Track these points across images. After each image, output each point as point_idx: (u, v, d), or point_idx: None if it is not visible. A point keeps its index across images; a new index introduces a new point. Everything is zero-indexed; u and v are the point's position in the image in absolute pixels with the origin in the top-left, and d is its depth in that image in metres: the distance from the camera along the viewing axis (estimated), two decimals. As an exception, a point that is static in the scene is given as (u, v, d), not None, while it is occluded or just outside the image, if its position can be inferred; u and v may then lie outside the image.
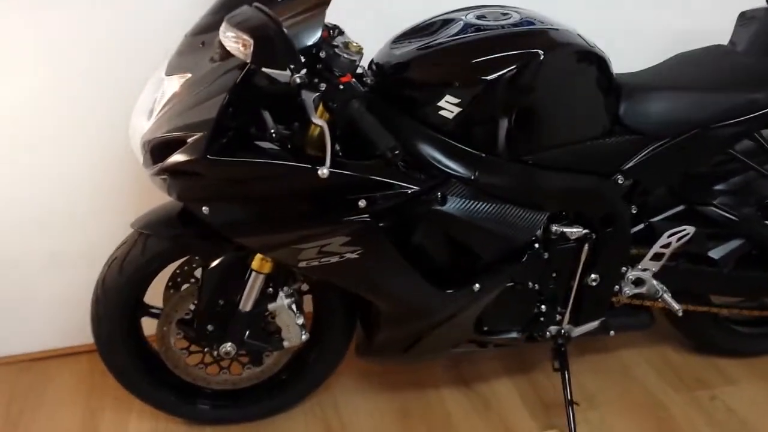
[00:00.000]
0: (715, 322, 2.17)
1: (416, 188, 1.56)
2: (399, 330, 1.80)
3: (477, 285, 1.72)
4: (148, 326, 1.94)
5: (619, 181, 1.78)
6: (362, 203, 1.53)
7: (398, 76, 1.63)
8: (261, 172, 1.49)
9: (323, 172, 1.42)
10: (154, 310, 1.90)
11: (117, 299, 1.81)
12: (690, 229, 1.88)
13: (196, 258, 1.85)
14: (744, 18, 2.02)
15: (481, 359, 2.29)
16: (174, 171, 1.51)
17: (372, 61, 1.72)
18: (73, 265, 2.21)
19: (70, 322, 2.32)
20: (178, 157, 1.48)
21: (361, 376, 2.23)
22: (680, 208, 1.94)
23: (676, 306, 1.93)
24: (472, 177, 1.60)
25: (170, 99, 1.54)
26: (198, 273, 1.85)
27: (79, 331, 2.30)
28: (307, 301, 1.95)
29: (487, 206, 1.62)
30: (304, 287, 1.94)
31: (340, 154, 1.53)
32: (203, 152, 1.44)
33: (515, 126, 1.60)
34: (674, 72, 1.89)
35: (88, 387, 2.23)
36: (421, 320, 1.76)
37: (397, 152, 1.37)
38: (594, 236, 1.82)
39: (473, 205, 1.61)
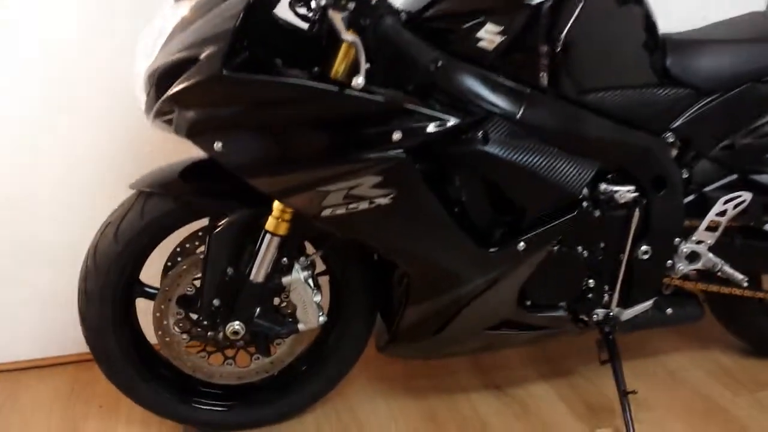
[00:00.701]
0: (765, 314, 1.97)
1: (456, 121, 1.38)
2: (431, 303, 1.58)
3: (522, 244, 1.52)
4: (143, 311, 1.71)
5: (670, 140, 1.63)
6: (397, 135, 1.35)
7: (432, 8, 1.47)
8: (283, 94, 1.31)
9: (358, 81, 1.25)
10: (150, 290, 1.67)
11: (110, 271, 1.58)
12: (746, 195, 1.71)
13: (199, 234, 1.64)
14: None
15: (512, 365, 2.06)
16: (184, 98, 1.33)
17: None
18: (55, 262, 1.99)
19: (51, 330, 2.08)
20: (189, 78, 1.30)
21: (379, 381, 1.99)
22: (732, 177, 1.78)
23: (739, 276, 1.74)
24: (517, 114, 1.44)
25: (178, 24, 1.38)
26: (201, 251, 1.63)
27: (61, 342, 2.10)
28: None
29: (534, 148, 1.45)
30: (320, 268, 1.73)
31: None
32: (219, 67, 1.27)
33: (561, 59, 1.45)
34: (718, 30, 1.77)
35: (70, 396, 1.97)
36: (457, 287, 1.54)
37: (440, 63, 1.21)
38: (645, 201, 1.64)
39: (518, 146, 1.43)
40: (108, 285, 1.59)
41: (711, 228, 1.73)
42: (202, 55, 1.29)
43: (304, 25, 1.51)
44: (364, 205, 1.40)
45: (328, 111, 1.33)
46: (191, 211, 1.58)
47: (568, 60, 1.45)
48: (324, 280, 1.74)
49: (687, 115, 1.64)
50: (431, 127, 1.37)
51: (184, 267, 1.61)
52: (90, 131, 1.92)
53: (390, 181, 1.38)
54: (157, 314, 1.63)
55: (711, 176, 1.79)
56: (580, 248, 1.61)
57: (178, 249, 1.65)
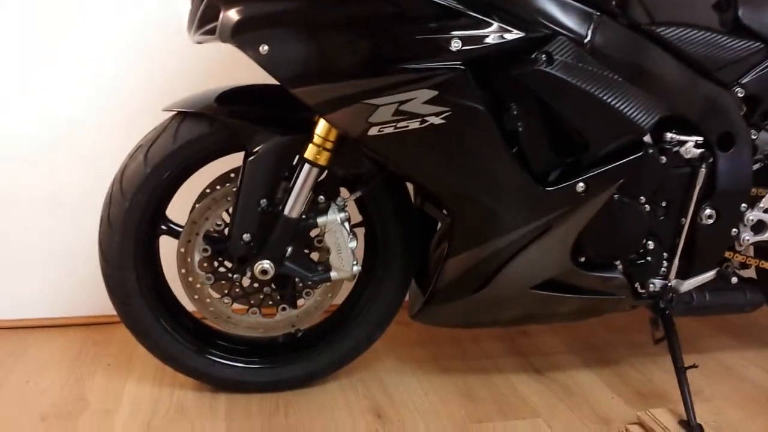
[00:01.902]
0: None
1: (520, 35, 1.29)
2: (476, 251, 1.46)
3: (581, 184, 1.40)
4: (166, 253, 1.60)
5: (739, 95, 1.53)
6: (456, 44, 1.25)
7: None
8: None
9: None
10: (176, 227, 1.56)
11: (136, 198, 1.48)
12: (818, 162, 1.59)
13: (231, 176, 1.53)
14: None
15: (553, 350, 1.91)
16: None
17: None
18: (76, 211, 1.90)
19: (62, 290, 1.98)
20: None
21: (409, 361, 1.84)
22: (801, 146, 1.66)
23: (812, 242, 1.60)
24: (585, 38, 1.34)
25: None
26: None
27: (73, 302, 1.99)
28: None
29: (600, 75, 1.34)
30: (356, 219, 1.62)
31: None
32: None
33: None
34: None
35: (79, 355, 1.84)
36: (506, 233, 1.42)
37: None
38: (711, 159, 1.52)
39: (584, 70, 1.33)
40: (132, 212, 1.49)
41: (781, 196, 1.60)
42: None
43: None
44: (414, 124, 1.30)
45: (381, 11, 1.24)
46: (227, 137, 1.47)
47: (641, -14, 1.37)
48: (360, 234, 1.63)
49: (758, 70, 1.54)
50: (493, 38, 1.27)
51: (215, 198, 1.50)
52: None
53: (445, 97, 1.28)
54: (182, 250, 1.52)
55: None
56: (642, 200, 1.49)
57: (208, 190, 1.55)
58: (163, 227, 1.57)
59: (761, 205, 1.60)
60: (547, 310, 1.60)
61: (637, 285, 1.59)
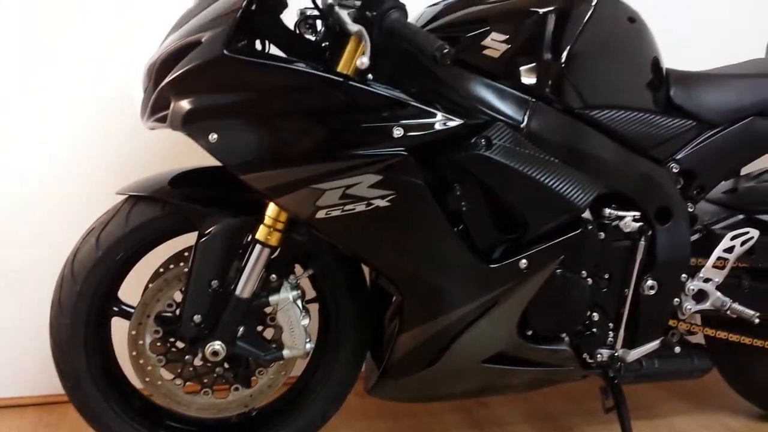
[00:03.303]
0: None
1: (459, 122, 1.35)
2: (426, 328, 1.48)
3: (524, 261, 1.44)
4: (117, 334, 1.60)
5: (674, 170, 1.61)
6: (398, 131, 1.31)
7: (435, 23, 1.48)
8: (285, 81, 1.28)
9: (363, 60, 1.22)
10: (128, 309, 1.57)
11: (87, 282, 1.48)
12: (754, 232, 1.67)
13: (185, 255, 1.55)
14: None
15: (508, 420, 1.93)
16: (182, 84, 1.29)
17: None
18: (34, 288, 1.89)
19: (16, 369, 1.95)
20: (189, 61, 1.27)
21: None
22: (738, 216, 1.74)
23: (750, 312, 1.66)
24: (521, 123, 1.41)
25: (181, 18, 1.37)
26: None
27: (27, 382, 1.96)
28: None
29: (537, 157, 1.41)
30: (310, 295, 1.64)
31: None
32: (221, 47, 1.24)
33: (566, 71, 1.44)
34: (720, 70, 1.78)
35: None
36: (454, 308, 1.45)
37: (446, 50, 1.19)
38: (650, 232, 1.59)
39: (521, 154, 1.40)
40: (83, 296, 1.49)
41: (718, 266, 1.66)
42: (204, 38, 1.26)
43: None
44: (361, 207, 1.34)
45: (328, 102, 1.30)
46: (178, 220, 1.50)
47: (573, 72, 1.45)
48: (314, 309, 1.64)
49: (691, 146, 1.63)
50: (434, 126, 1.33)
51: (167, 280, 1.51)
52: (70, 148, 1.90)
53: (389, 182, 1.33)
54: (133, 332, 1.52)
55: (716, 216, 1.75)
56: (584, 273, 1.54)
57: (161, 269, 1.56)
58: (115, 309, 1.57)
59: (701, 275, 1.66)
60: (499, 382, 1.62)
61: (585, 356, 1.62)
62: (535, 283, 1.47)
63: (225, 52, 1.25)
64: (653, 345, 1.66)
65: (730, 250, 1.65)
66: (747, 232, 1.66)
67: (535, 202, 1.43)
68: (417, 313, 1.48)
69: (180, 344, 1.53)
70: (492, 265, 1.43)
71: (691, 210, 1.65)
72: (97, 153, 1.92)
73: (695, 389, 2.12)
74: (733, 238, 1.65)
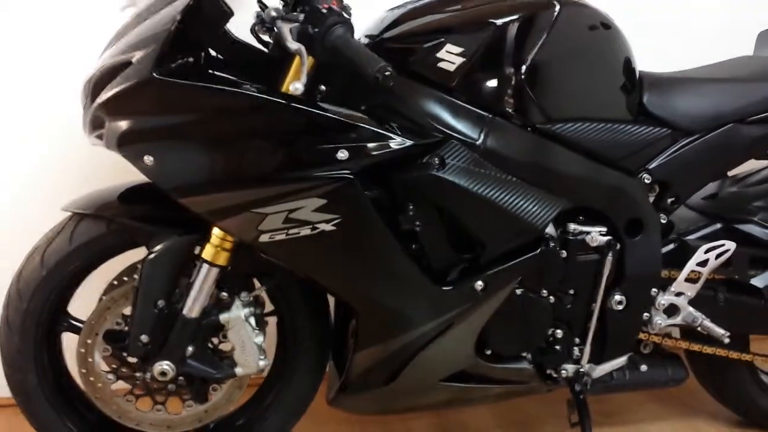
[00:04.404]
0: (753, 378, 1.81)
1: (409, 143, 1.28)
2: (382, 347, 1.44)
3: (480, 283, 1.39)
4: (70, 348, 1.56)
5: (646, 181, 1.53)
6: (342, 154, 1.24)
7: (391, 31, 1.40)
8: (218, 103, 1.21)
9: (296, 86, 1.15)
10: (78, 324, 1.53)
11: (33, 300, 1.45)
12: (730, 245, 1.59)
13: (138, 267, 1.50)
14: (765, 35, 1.85)
15: (480, 425, 1.89)
16: (114, 105, 1.23)
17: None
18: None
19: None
20: (119, 83, 1.21)
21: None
22: (716, 226, 1.66)
23: (720, 331, 1.60)
24: (477, 141, 1.33)
25: (120, 30, 1.30)
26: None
27: None
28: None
29: (493, 177, 1.34)
30: (268, 308, 1.59)
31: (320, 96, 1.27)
32: (150, 69, 1.17)
33: (527, 85, 1.36)
34: (700, 71, 1.69)
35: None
36: (409, 330, 1.40)
37: (388, 72, 1.12)
38: (618, 246, 1.52)
39: (476, 174, 1.33)
40: (31, 314, 1.46)
41: (691, 279, 1.59)
42: (135, 58, 1.20)
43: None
44: (306, 231, 1.28)
45: (268, 124, 1.23)
46: (125, 237, 1.45)
47: (534, 86, 1.37)
48: (273, 323, 1.60)
49: (665, 155, 1.54)
50: (380, 148, 1.26)
51: (114, 298, 1.47)
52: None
53: (334, 206, 1.27)
54: (82, 350, 1.49)
55: (693, 225, 1.67)
56: (545, 293, 1.48)
57: (115, 282, 1.52)
58: (64, 324, 1.54)
59: (672, 288, 1.59)
60: (461, 398, 1.58)
61: (549, 371, 1.57)
62: (492, 304, 1.42)
63: (154, 75, 1.18)
64: (620, 362, 1.61)
65: (703, 263, 1.58)
66: (722, 245, 1.58)
67: (491, 224, 1.36)
68: (372, 332, 1.44)
69: (131, 359, 1.50)
70: (445, 288, 1.38)
71: (665, 221, 1.58)
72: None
73: (675, 392, 2.07)
74: (708, 251, 1.58)
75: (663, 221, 1.58)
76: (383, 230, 1.31)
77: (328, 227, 1.28)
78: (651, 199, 1.56)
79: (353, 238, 1.30)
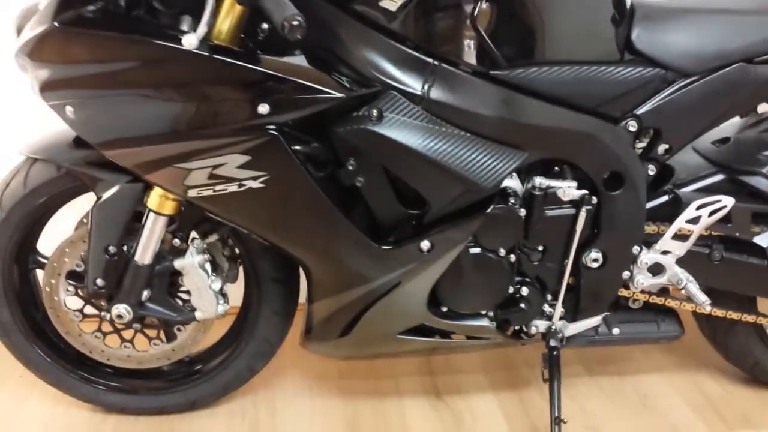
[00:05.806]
0: (762, 340, 1.67)
1: (339, 95, 1.17)
2: (333, 300, 1.40)
3: (426, 243, 1.30)
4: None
5: (631, 128, 1.37)
6: (263, 108, 1.15)
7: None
8: (124, 53, 1.14)
9: (190, 41, 1.06)
10: (45, 262, 1.56)
11: (-4, 240, 1.48)
12: (727, 201, 1.42)
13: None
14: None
15: (466, 368, 1.85)
16: (30, 52, 1.18)
17: None
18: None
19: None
20: (29, 30, 1.15)
21: (312, 377, 1.82)
22: (718, 177, 1.49)
23: (702, 298, 1.46)
24: (420, 91, 1.21)
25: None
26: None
27: None
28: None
29: (437, 132, 1.22)
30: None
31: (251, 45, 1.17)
32: (52, 17, 1.11)
33: (479, 24, 1.21)
34: (702, 1, 1.46)
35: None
36: (356, 286, 1.35)
37: (296, 22, 1.01)
38: (595, 200, 1.38)
39: (418, 128, 1.21)
40: (-6, 253, 1.49)
41: (680, 236, 1.45)
42: (41, 5, 1.13)
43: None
44: (233, 188, 1.23)
45: (187, 75, 1.15)
46: (76, 182, 1.44)
47: (491, 26, 1.21)
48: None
49: (656, 99, 1.37)
50: (306, 102, 1.16)
51: (72, 240, 1.48)
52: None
53: (259, 162, 1.20)
54: (47, 288, 1.52)
55: (693, 175, 1.51)
56: (502, 252, 1.38)
57: (84, 220, 1.52)
58: (35, 263, 1.57)
59: (657, 246, 1.45)
60: (426, 349, 1.54)
61: (517, 327, 1.50)
62: (442, 263, 1.34)
63: (55, 24, 1.11)
64: (597, 319, 1.51)
65: (695, 220, 1.43)
66: (717, 201, 1.42)
67: (434, 183, 1.26)
68: (320, 286, 1.40)
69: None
70: (386, 247, 1.30)
71: (653, 172, 1.43)
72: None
73: (679, 343, 1.95)
74: (700, 207, 1.42)
75: (652, 172, 1.42)
76: (313, 188, 1.23)
77: (256, 184, 1.22)
78: (641, 148, 1.40)
79: (283, 195, 1.24)
